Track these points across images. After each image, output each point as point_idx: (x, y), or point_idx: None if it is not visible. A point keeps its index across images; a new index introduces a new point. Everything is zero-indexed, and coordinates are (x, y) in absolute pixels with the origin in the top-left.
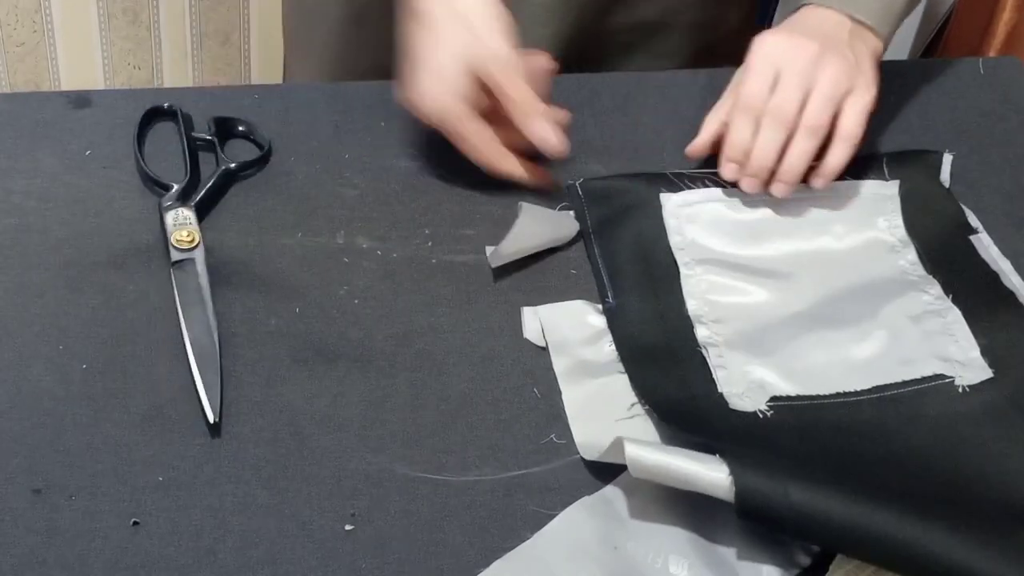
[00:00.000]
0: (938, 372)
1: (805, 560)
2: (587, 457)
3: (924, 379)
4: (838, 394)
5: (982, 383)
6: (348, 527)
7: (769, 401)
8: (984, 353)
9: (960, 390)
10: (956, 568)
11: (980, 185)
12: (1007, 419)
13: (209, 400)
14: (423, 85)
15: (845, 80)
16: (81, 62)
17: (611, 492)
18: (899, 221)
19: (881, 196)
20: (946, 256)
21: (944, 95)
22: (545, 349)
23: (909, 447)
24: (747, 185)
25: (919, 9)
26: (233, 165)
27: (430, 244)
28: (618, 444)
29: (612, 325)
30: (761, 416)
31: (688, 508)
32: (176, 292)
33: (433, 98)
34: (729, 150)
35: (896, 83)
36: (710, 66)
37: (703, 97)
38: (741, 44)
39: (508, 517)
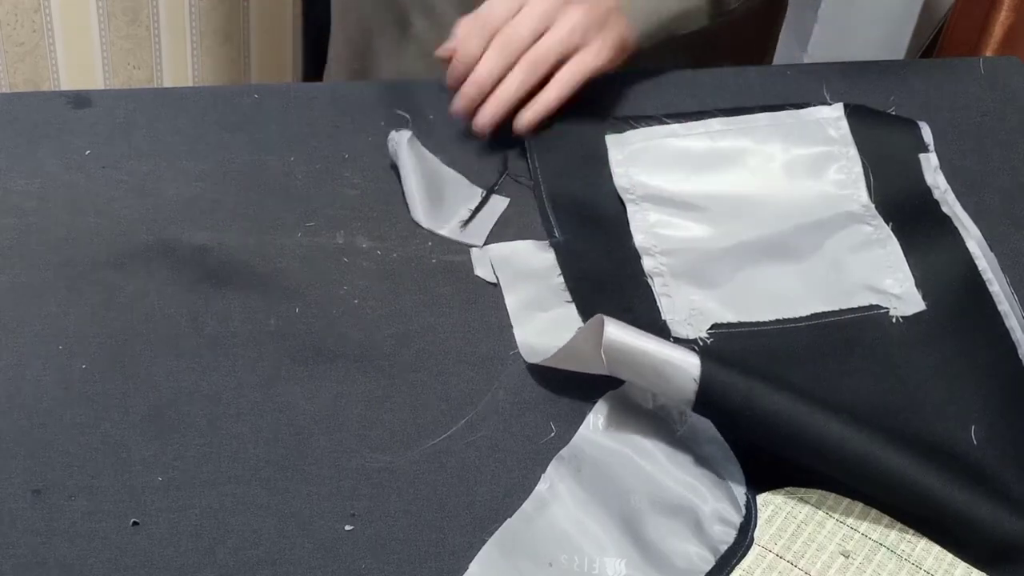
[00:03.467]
0: (874, 303)
1: (729, 537)
2: (530, 360)
3: (860, 308)
4: (777, 321)
5: (915, 315)
6: (348, 527)
7: (710, 329)
8: (919, 286)
9: (894, 320)
10: (893, 483)
11: (980, 185)
12: (938, 349)
13: None
14: None
15: (581, 32)
16: (81, 62)
17: (531, 507)
18: (848, 139)
19: (825, 119)
20: (892, 177)
21: (944, 95)
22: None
23: (844, 372)
24: (456, 107)
25: (916, 10)
26: None
27: (430, 244)
28: (596, 323)
29: (560, 258)
30: (701, 344)
31: (612, 507)
32: None
33: None
34: (455, 62)
35: (896, 83)
36: (708, 60)
37: (705, 95)
38: (742, 36)
39: (508, 517)
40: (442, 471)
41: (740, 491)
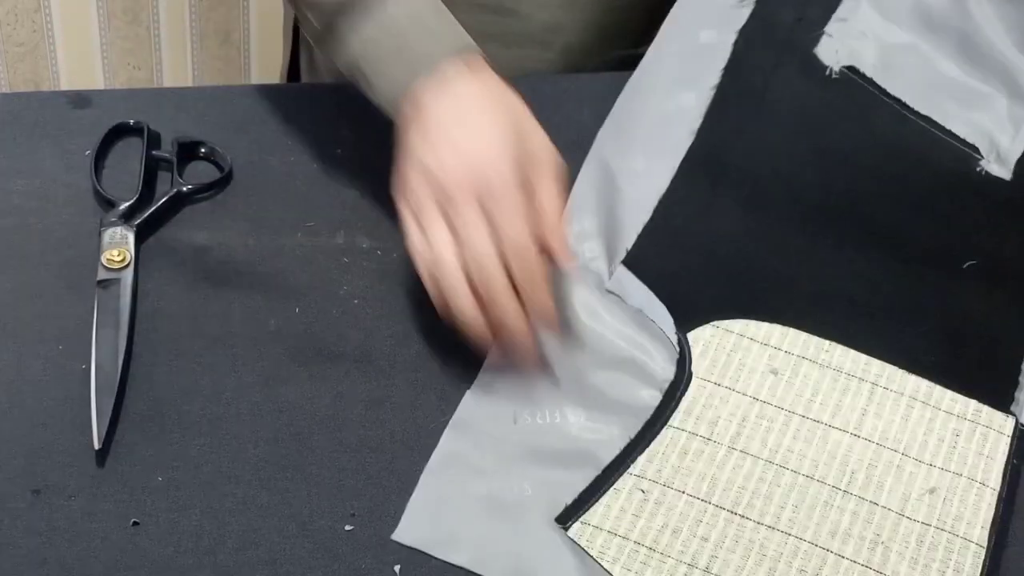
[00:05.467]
0: (973, 143)
1: (669, 374)
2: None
3: (958, 138)
4: None
5: (997, 179)
6: (348, 527)
7: None
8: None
9: (978, 170)
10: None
11: None
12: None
13: (98, 426)
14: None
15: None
16: (81, 62)
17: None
18: None
19: None
20: None
21: None
22: None
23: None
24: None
25: None
26: (186, 188)
27: None
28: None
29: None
30: None
31: (563, 369)
32: (96, 311)
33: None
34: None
35: None
36: None
37: None
38: None
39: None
40: None
41: (671, 332)
